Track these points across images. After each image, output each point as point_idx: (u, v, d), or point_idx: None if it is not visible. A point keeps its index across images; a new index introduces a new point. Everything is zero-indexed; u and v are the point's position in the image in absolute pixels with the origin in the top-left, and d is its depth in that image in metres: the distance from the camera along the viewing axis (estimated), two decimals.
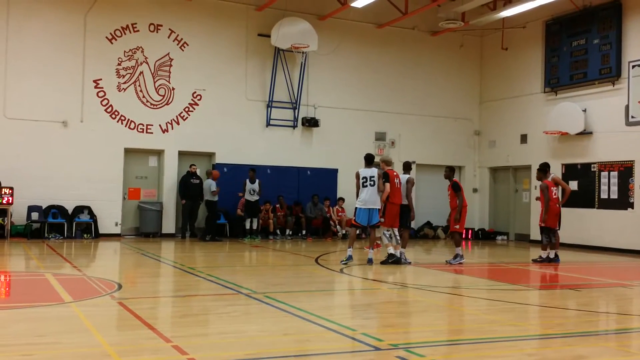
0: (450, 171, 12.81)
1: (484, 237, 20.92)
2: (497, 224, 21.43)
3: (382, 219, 12.02)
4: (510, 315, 7.33)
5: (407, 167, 13.07)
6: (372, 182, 11.75)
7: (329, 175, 19.68)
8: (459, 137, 21.73)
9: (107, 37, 17.41)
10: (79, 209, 16.85)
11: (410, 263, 12.10)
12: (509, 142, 20.78)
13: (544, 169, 13.46)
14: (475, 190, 21.82)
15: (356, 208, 11.96)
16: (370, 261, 11.81)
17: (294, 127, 19.48)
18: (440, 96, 21.49)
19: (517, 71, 20.64)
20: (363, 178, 11.81)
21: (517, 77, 20.62)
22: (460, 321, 7.16)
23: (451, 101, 21.64)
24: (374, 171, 11.87)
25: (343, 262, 11.84)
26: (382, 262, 11.87)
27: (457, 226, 12.36)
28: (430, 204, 19.44)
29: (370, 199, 11.75)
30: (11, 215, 15.92)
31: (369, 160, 12.15)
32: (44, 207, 16.41)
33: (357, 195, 11.94)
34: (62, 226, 16.50)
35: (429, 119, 21.28)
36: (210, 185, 17.10)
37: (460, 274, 11.20)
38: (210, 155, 18.78)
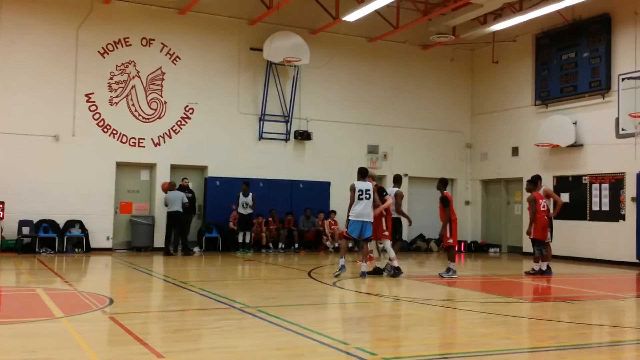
0: (441, 184, 12.80)
1: (477, 249, 20.93)
2: (490, 237, 21.46)
3: (386, 233, 12.15)
4: (503, 328, 7.32)
5: (397, 180, 13.16)
6: (367, 196, 11.79)
7: (322, 188, 19.68)
8: (450, 150, 21.81)
9: (99, 51, 17.41)
10: (70, 223, 16.76)
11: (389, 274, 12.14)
12: (501, 155, 20.86)
13: (535, 180, 13.51)
14: (467, 203, 21.88)
15: (348, 220, 11.97)
16: (363, 274, 11.81)
17: (287, 140, 19.51)
18: (432, 109, 21.59)
19: (508, 84, 20.77)
20: (359, 191, 11.83)
21: (508, 90, 20.74)
22: (453, 334, 7.15)
23: (443, 114, 21.74)
24: (369, 184, 11.93)
25: (336, 274, 11.83)
26: (392, 275, 11.99)
27: (450, 240, 12.36)
28: (422, 216, 19.43)
29: (365, 211, 11.78)
30: (2, 229, 15.82)
31: (363, 173, 12.15)
32: (35, 222, 16.32)
33: (349, 208, 11.94)
34: (54, 241, 16.40)
35: (421, 131, 21.36)
36: (182, 196, 16.80)
37: (453, 286, 11.19)
38: (203, 168, 18.76)
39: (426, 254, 19.48)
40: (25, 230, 16.13)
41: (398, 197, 12.57)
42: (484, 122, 21.74)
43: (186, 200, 16.80)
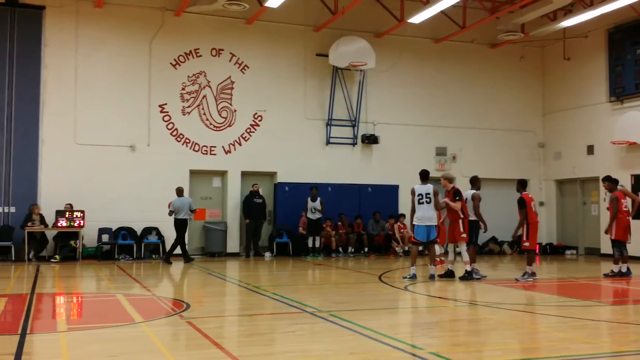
0: (520, 185, 12.51)
1: (553, 251, 20.34)
2: (566, 238, 20.81)
3: (464, 235, 11.95)
4: (583, 333, 7.09)
5: (473, 182, 12.80)
6: (427, 199, 11.75)
7: (390, 192, 19.59)
8: (522, 150, 21.31)
9: (171, 63, 17.95)
10: (148, 230, 17.32)
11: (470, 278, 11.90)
12: (575, 154, 20.22)
13: (615, 179, 13.09)
14: (541, 204, 21.28)
15: (414, 225, 11.99)
16: (432, 277, 11.77)
17: (354, 144, 19.53)
18: (502, 109, 21.16)
19: (580, 81, 20.13)
20: (419, 195, 11.83)
21: (581, 87, 20.10)
22: (530, 339, 6.98)
23: (513, 114, 21.27)
24: (429, 188, 11.85)
25: (405, 278, 11.77)
26: (461, 278, 11.88)
27: (527, 243, 12.03)
28: (494, 219, 18.97)
29: (426, 215, 11.76)
30: (83, 237, 16.50)
31: (424, 176, 12.10)
32: (113, 229, 16.94)
33: (412, 212, 12.02)
34: (132, 247, 16.99)
35: (491, 132, 20.96)
36: (190, 203, 16.06)
37: (528, 290, 10.92)
38: (272, 174, 19.02)
39: (499, 257, 19.08)
40: (105, 237, 16.78)
41: (475, 199, 12.27)
42: (556, 120, 21.13)
43: (195, 207, 16.18)
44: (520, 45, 20.98)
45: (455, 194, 11.99)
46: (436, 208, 11.89)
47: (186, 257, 16.09)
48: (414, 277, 11.80)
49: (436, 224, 11.87)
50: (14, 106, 16.63)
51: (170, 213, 15.89)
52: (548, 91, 21.56)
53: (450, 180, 12.39)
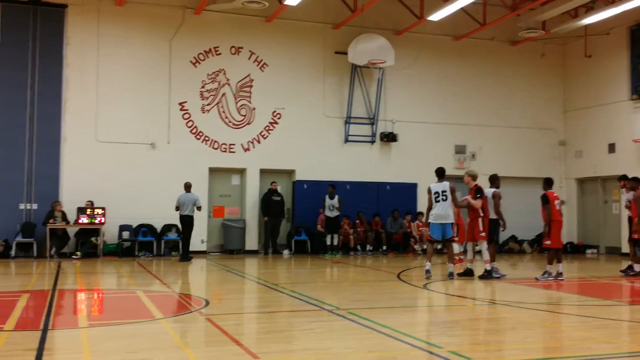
0: (545, 184, 12.38)
1: (573, 250, 20.16)
2: (587, 237, 20.62)
3: (483, 234, 11.85)
4: (604, 332, 7.02)
5: (493, 180, 12.66)
6: (444, 197, 11.67)
7: (409, 190, 19.54)
8: (543, 148, 21.14)
9: (191, 61, 18.05)
10: (167, 227, 17.45)
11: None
12: (596, 152, 20.02)
13: (635, 178, 12.94)
14: (562, 203, 21.08)
15: (429, 223, 11.96)
16: (451, 275, 11.76)
17: (373, 142, 19.51)
18: (522, 107, 21.00)
19: (602, 79, 19.91)
20: (435, 193, 11.79)
21: (603, 84, 19.89)
22: (552, 339, 6.92)
23: (534, 111, 21.10)
24: (445, 185, 11.78)
25: (427, 277, 11.71)
26: (480, 277, 11.80)
27: (548, 242, 11.91)
28: (514, 217, 18.88)
29: (443, 213, 11.69)
30: (103, 234, 16.66)
31: (440, 173, 12.03)
32: (134, 226, 17.09)
33: (428, 211, 12.00)
34: (152, 244, 17.12)
35: (511, 130, 20.81)
36: (195, 199, 15.72)
37: (549, 289, 10.83)
38: (291, 172, 19.05)
39: (519, 256, 18.94)
40: (125, 234, 16.92)
41: (496, 197, 12.14)
42: (577, 118, 20.93)
43: (200, 204, 15.78)
44: (541, 42, 20.81)
45: (477, 192, 11.87)
46: (455, 205, 11.81)
47: (183, 256, 15.71)
48: (427, 272, 11.79)
49: (452, 221, 11.82)
50: (36, 104, 16.83)
51: (176, 208, 15.70)
52: (569, 89, 21.35)
53: (474, 177, 12.24)
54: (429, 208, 11.95)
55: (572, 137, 21.14)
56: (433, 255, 12.36)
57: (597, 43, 20.09)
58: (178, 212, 15.73)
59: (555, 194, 12.23)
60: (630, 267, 13.00)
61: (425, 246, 18.84)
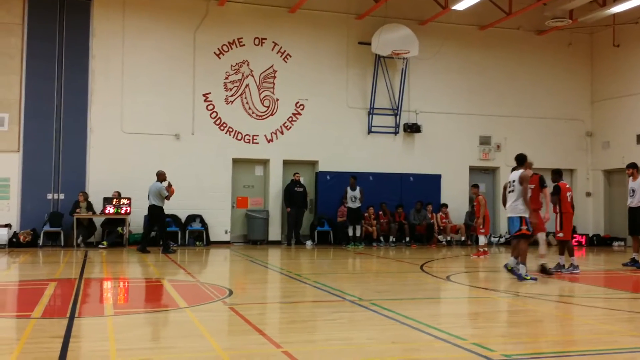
0: (556, 175, 12.11)
1: (600, 243, 19.90)
2: (614, 230, 20.32)
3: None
4: (630, 325, 6.93)
5: (522, 161, 11.15)
6: (511, 188, 10.53)
7: (432, 181, 19.44)
8: (569, 139, 20.86)
9: (215, 52, 18.11)
10: (191, 218, 17.59)
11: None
12: (624, 143, 19.70)
13: None
14: (588, 194, 20.84)
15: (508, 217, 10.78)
16: (520, 277, 10.40)
17: (396, 133, 19.42)
18: (548, 97, 20.73)
19: (630, 68, 19.58)
20: (508, 183, 10.68)
21: (631, 74, 19.56)
22: (576, 331, 6.84)
23: (560, 102, 20.82)
24: (515, 174, 10.52)
25: (525, 279, 10.39)
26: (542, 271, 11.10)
27: (561, 234, 11.72)
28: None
29: (510, 206, 10.52)
30: (129, 224, 16.84)
31: (520, 160, 10.67)
32: None
33: (503, 202, 11.00)
34: (176, 234, 17.27)
35: (537, 120, 20.57)
36: (158, 189, 14.96)
37: (574, 282, 10.70)
38: (314, 163, 19.05)
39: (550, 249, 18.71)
40: None
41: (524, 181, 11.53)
42: (605, 109, 20.60)
43: (166, 193, 14.89)
44: (568, 31, 20.49)
45: (541, 182, 11.09)
46: (523, 198, 10.35)
47: (142, 246, 15.01)
48: (533, 279, 10.29)
49: (518, 215, 10.37)
50: (63, 96, 17.04)
51: (148, 197, 15.10)
52: (597, 79, 21.02)
53: (530, 166, 11.18)
54: (504, 199, 10.88)
55: (600, 128, 20.83)
56: (526, 254, 10.64)
57: (625, 32, 19.73)
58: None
59: (567, 186, 12.00)
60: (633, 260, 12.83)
61: (449, 238, 18.82)
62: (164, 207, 15.12)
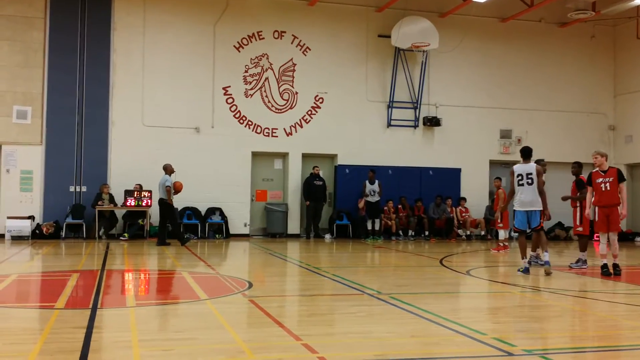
0: (578, 167, 11.96)
1: (621, 238, 19.57)
2: (636, 225, 20.09)
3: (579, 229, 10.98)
4: None
5: (527, 154, 10.80)
6: (529, 180, 10.28)
7: (452, 175, 19.34)
8: (591, 133, 20.62)
9: (234, 46, 18.15)
10: (211, 211, 17.69)
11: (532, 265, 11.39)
12: None
13: None
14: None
15: (514, 211, 10.61)
16: (547, 264, 10.41)
17: (415, 127, 19.33)
18: (570, 90, 20.50)
19: None
20: (518, 175, 10.37)
21: None
22: (598, 327, 6.78)
23: (582, 95, 20.58)
24: (531, 167, 10.36)
25: (518, 271, 10.52)
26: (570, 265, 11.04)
27: (580, 228, 11.56)
28: (561, 204, 18.52)
29: (527, 199, 10.29)
30: (150, 216, 16.98)
31: (526, 154, 10.54)
32: (179, 209, 17.34)
33: (510, 196, 10.81)
34: (196, 227, 17.39)
35: (558, 114, 20.35)
36: (164, 181, 14.96)
37: (595, 277, 10.59)
38: (333, 156, 19.05)
39: (565, 243, 18.59)
40: None
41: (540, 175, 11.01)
42: (629, 102, 20.32)
43: (169, 184, 14.79)
44: (590, 24, 20.23)
45: (619, 175, 10.50)
46: (539, 190, 10.29)
47: (160, 240, 14.92)
48: (526, 271, 10.38)
49: (540, 208, 10.31)
50: (85, 89, 17.20)
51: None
52: (620, 72, 20.74)
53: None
54: (512, 192, 10.59)
55: (622, 122, 20.57)
56: (527, 248, 10.71)
57: None
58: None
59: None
60: None
61: (469, 232, 18.72)
62: (173, 201, 14.91)
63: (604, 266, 10.46)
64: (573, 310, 7.66)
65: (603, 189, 10.34)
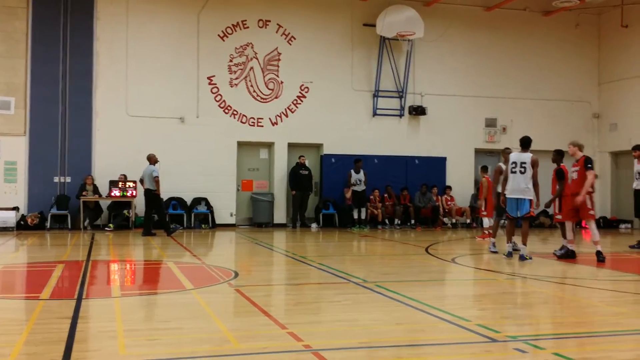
0: (558, 156, 12.00)
1: (606, 225, 19.87)
2: (621, 212, 20.29)
3: (592, 212, 10.89)
4: (636, 308, 6.94)
5: (526, 144, 11.15)
6: (522, 169, 10.51)
7: (437, 164, 19.41)
8: (576, 121, 20.75)
9: (219, 35, 18.04)
10: (197, 201, 17.64)
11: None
12: (632, 125, 19.59)
13: None
14: (595, 177, 20.73)
15: (505, 197, 10.83)
16: (522, 258, 10.55)
17: (401, 116, 19.36)
18: (555, 79, 20.60)
19: (639, 50, 19.39)
20: (512, 163, 10.65)
21: (639, 55, 19.36)
22: (582, 313, 6.85)
23: (567, 83, 20.69)
24: (527, 156, 10.60)
25: (504, 256, 10.89)
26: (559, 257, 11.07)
27: (559, 216, 11.66)
28: (546, 191, 18.65)
29: (518, 187, 10.52)
30: (135, 207, 16.90)
31: (526, 144, 10.78)
32: (164, 199, 17.25)
33: (504, 182, 10.93)
34: (182, 217, 17.33)
35: (543, 102, 20.46)
36: (151, 171, 14.77)
37: (580, 264, 10.70)
38: (318, 146, 19.04)
39: (550, 231, 18.74)
40: None
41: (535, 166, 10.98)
42: (613, 90, 20.46)
43: (156, 174, 14.65)
44: (575, 12, 20.31)
45: (587, 162, 10.75)
46: (534, 182, 10.53)
47: (146, 230, 14.91)
48: (509, 255, 10.80)
49: (530, 197, 10.52)
50: (68, 79, 17.03)
51: (140, 181, 15.12)
52: (604, 60, 20.86)
53: (581, 147, 11.09)
54: (505, 179, 10.85)
55: (607, 110, 20.71)
56: (513, 235, 10.95)
57: (633, 12, 19.53)
58: (143, 186, 15.01)
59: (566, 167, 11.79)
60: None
61: (454, 220, 18.82)
62: (159, 191, 14.85)
63: (569, 251, 11.00)
64: (557, 297, 7.73)
65: (572, 178, 10.84)
